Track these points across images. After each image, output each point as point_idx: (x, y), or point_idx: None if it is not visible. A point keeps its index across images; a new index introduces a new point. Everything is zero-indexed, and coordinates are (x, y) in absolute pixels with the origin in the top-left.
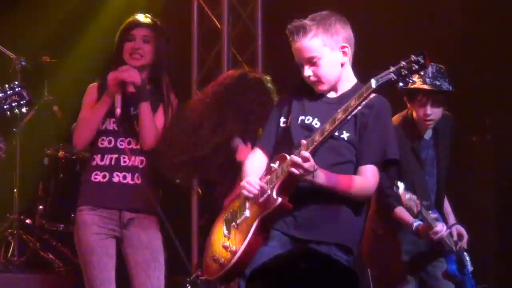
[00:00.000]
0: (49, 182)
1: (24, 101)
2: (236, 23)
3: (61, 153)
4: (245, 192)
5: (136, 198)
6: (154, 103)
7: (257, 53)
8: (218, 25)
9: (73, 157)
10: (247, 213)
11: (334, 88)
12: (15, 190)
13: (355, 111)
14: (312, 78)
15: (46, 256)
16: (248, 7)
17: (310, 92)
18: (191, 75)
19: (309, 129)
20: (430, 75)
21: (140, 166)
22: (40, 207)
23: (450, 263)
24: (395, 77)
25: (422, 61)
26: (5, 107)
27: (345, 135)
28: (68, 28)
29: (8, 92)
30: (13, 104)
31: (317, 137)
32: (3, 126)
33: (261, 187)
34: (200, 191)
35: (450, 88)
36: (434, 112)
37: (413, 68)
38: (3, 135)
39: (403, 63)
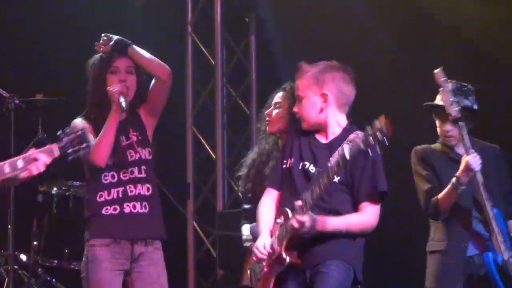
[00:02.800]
0: (43, 218)
1: (85, 144)
2: (230, 59)
3: (54, 190)
4: (256, 256)
5: (148, 226)
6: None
7: (252, 88)
8: (212, 61)
9: (67, 194)
10: (265, 268)
11: (324, 133)
12: (9, 227)
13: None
14: (298, 115)
15: None
16: (241, 43)
17: (305, 136)
18: (185, 110)
19: (307, 174)
20: (450, 92)
21: (147, 194)
22: (35, 243)
23: (488, 260)
24: (364, 148)
25: (385, 131)
26: (68, 151)
27: (336, 178)
28: (63, 65)
29: (71, 136)
30: (76, 148)
31: (309, 199)
32: None
33: (270, 251)
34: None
35: (472, 106)
36: (454, 129)
37: (378, 138)
38: None
39: (369, 132)
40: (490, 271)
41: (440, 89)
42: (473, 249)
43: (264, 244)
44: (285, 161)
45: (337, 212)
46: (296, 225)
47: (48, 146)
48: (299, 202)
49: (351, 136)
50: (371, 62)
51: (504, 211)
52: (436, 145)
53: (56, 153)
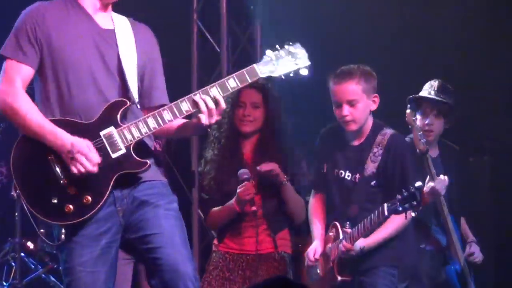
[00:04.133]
0: None
1: (299, 61)
2: (235, 47)
3: None
4: (307, 262)
5: None
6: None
7: None
8: (218, 49)
9: None
10: (320, 272)
11: (359, 135)
12: (16, 214)
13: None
14: (348, 118)
15: (48, 280)
16: (247, 30)
17: (336, 142)
18: None
19: (342, 182)
20: (435, 89)
21: None
22: (42, 230)
23: (451, 273)
24: (401, 210)
25: (418, 197)
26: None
27: (372, 182)
28: None
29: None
30: (288, 67)
31: (356, 233)
32: (4, 151)
33: (319, 258)
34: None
35: (451, 104)
36: (435, 123)
37: (413, 203)
38: (4, 160)
39: (405, 196)
40: (454, 285)
41: (410, 126)
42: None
43: (315, 251)
44: (321, 166)
45: (369, 211)
46: (343, 250)
47: None
48: (348, 230)
49: (379, 138)
50: (378, 56)
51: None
52: (410, 141)
53: None
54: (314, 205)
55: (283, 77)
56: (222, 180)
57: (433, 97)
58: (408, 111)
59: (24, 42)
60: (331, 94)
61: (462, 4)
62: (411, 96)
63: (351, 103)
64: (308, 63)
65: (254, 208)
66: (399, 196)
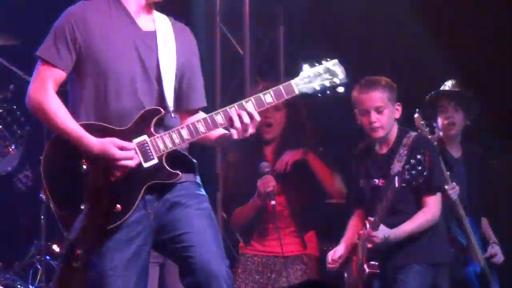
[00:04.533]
0: None
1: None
2: (258, 49)
3: None
4: (328, 263)
5: None
6: None
7: (280, 78)
8: (241, 51)
9: None
10: (354, 273)
11: (386, 142)
12: (42, 217)
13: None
14: (377, 124)
15: None
16: (270, 33)
17: (368, 156)
18: (214, 101)
19: (379, 190)
20: (450, 85)
21: None
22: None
23: (469, 274)
24: (408, 178)
25: (422, 161)
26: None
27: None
28: None
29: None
30: (326, 84)
31: (380, 214)
32: (29, 154)
33: (337, 258)
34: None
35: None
36: (455, 116)
37: (418, 168)
38: (29, 163)
39: (412, 163)
40: (472, 284)
41: (419, 131)
42: None
43: (334, 252)
44: (358, 182)
45: (403, 213)
46: (367, 235)
47: None
48: (370, 219)
49: (404, 140)
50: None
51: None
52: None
53: None
54: (352, 219)
55: (320, 94)
56: (245, 182)
57: (450, 89)
58: (416, 115)
59: (61, 44)
60: (357, 103)
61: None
62: (427, 97)
63: (379, 110)
64: (345, 80)
65: (273, 202)
66: (407, 166)
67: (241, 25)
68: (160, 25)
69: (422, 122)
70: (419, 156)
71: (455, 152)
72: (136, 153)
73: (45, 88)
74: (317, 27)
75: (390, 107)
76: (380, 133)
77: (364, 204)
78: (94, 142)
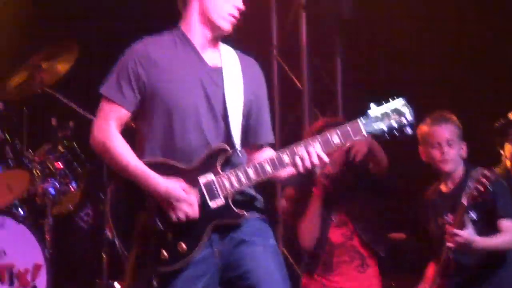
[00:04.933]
0: None
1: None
2: (316, 82)
3: None
4: None
5: None
6: None
7: (338, 111)
8: (299, 85)
9: None
10: None
11: (451, 179)
12: (103, 255)
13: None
14: (447, 156)
15: None
16: (328, 66)
17: (434, 199)
18: (273, 134)
19: (442, 229)
20: None
21: None
22: None
23: None
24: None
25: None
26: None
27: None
28: None
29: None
30: (394, 125)
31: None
32: (90, 192)
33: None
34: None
35: None
36: None
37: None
38: (90, 201)
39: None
40: None
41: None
42: None
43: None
44: (426, 225)
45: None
46: (449, 232)
47: None
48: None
49: (472, 174)
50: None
51: None
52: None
53: None
54: (427, 270)
55: (387, 136)
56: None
57: None
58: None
59: (124, 83)
60: (427, 136)
61: None
62: (496, 125)
63: (449, 143)
64: (413, 121)
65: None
66: (473, 185)
67: (298, 57)
68: (227, 59)
69: None
70: (484, 180)
71: None
72: (202, 192)
73: (109, 127)
74: (375, 59)
75: (458, 144)
76: (451, 166)
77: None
78: (160, 182)
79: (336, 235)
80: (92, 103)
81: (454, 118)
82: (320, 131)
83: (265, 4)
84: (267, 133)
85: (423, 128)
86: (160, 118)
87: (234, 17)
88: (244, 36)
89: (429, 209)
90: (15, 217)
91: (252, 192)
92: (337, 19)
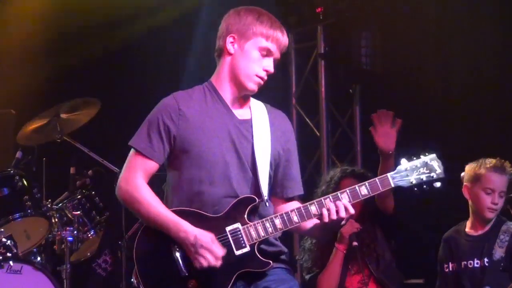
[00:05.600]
0: None
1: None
2: (335, 130)
3: None
4: None
5: None
6: None
7: (357, 159)
8: (317, 132)
9: None
10: None
11: (482, 224)
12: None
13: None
14: (496, 207)
15: None
16: (346, 114)
17: (458, 239)
18: None
19: (472, 271)
20: None
21: None
22: None
23: None
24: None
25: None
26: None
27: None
28: None
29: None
30: (423, 179)
31: None
32: (109, 240)
33: None
34: None
35: None
36: None
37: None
38: (108, 248)
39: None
40: None
41: None
42: None
43: None
44: (446, 265)
45: None
46: None
47: None
48: None
49: (504, 227)
50: None
51: None
52: None
53: None
54: None
55: (416, 189)
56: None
57: None
58: None
59: (155, 137)
60: (483, 180)
61: None
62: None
63: (501, 194)
64: (443, 175)
65: (355, 243)
66: None
67: (317, 105)
68: (256, 112)
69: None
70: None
71: None
72: (228, 240)
73: (136, 179)
74: (393, 107)
75: (505, 196)
76: (493, 215)
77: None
78: (190, 229)
79: (353, 283)
80: (111, 152)
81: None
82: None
83: (283, 53)
84: (295, 186)
85: (479, 170)
86: (189, 169)
87: (261, 78)
88: (263, 85)
89: (450, 250)
90: (34, 264)
91: (278, 243)
92: (355, 68)
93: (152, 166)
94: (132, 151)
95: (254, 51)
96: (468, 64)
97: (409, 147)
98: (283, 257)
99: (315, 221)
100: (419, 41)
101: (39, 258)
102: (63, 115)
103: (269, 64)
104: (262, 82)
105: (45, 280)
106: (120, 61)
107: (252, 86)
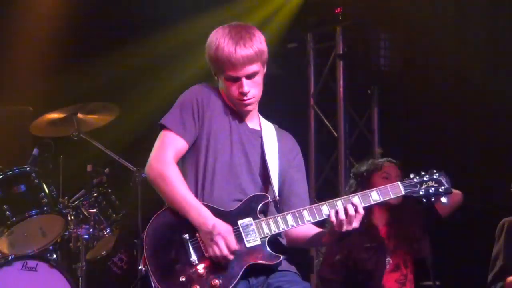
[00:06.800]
0: None
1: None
2: (352, 131)
3: None
4: None
5: None
6: None
7: (375, 159)
8: (335, 133)
9: None
10: None
11: None
12: None
13: None
14: None
15: None
16: (364, 116)
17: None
18: (309, 182)
19: None
20: None
21: None
22: None
23: None
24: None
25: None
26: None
27: None
28: None
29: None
30: (430, 191)
31: None
32: (125, 239)
33: None
34: None
35: None
36: None
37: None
38: (124, 246)
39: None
40: None
41: None
42: None
43: None
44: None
45: None
46: None
47: None
48: None
49: None
50: None
51: None
52: None
53: None
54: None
55: (424, 200)
56: (356, 258)
57: None
58: None
59: (187, 117)
60: None
61: None
62: None
63: None
64: (450, 191)
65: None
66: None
67: (335, 106)
68: (265, 127)
69: None
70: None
71: None
72: (240, 233)
73: (166, 157)
74: (412, 108)
75: None
76: None
77: None
78: (210, 217)
79: (390, 281)
80: (128, 150)
81: None
82: None
83: (302, 53)
84: (300, 204)
85: None
86: (205, 162)
87: (245, 100)
88: (281, 85)
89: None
90: (49, 262)
91: (286, 246)
92: (374, 69)
93: (183, 145)
94: (163, 130)
95: (225, 82)
96: (488, 65)
97: (429, 148)
98: (294, 263)
99: (318, 230)
100: (438, 42)
101: (54, 256)
102: (80, 115)
103: (240, 87)
104: (250, 102)
105: (60, 278)
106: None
107: (240, 108)
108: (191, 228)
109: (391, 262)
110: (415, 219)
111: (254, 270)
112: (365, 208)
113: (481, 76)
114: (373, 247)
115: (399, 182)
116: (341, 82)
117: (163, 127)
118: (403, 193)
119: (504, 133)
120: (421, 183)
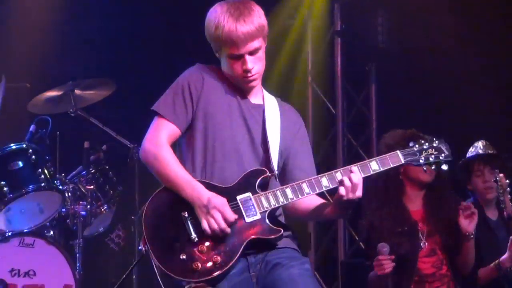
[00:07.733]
0: None
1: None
2: (350, 108)
3: None
4: None
5: None
6: None
7: (372, 137)
8: (333, 110)
9: None
10: None
11: None
12: (133, 277)
13: None
14: None
15: None
16: (362, 92)
17: None
18: None
19: None
20: (481, 147)
21: None
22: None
23: None
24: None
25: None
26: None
27: None
28: None
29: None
30: (431, 159)
31: None
32: (121, 214)
33: None
34: None
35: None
36: (492, 180)
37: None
38: (121, 223)
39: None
40: None
41: (501, 191)
42: None
43: None
44: None
45: None
46: None
47: None
48: None
49: None
50: None
51: None
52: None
53: None
54: None
55: (424, 168)
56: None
57: (483, 151)
58: (501, 174)
59: (179, 103)
60: None
61: None
62: (460, 162)
63: None
64: (450, 158)
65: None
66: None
67: (333, 83)
68: (268, 101)
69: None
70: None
71: (492, 215)
72: (239, 207)
73: (160, 139)
74: (409, 85)
75: None
76: None
77: None
78: (205, 191)
79: (426, 265)
80: (125, 126)
81: None
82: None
83: (300, 31)
84: (304, 177)
85: None
86: (204, 142)
87: (249, 77)
88: (279, 62)
89: None
90: (46, 238)
91: (288, 226)
92: (372, 46)
93: (175, 131)
94: (156, 116)
95: (227, 59)
96: (486, 44)
97: (425, 125)
98: (293, 239)
99: (320, 201)
100: (435, 19)
101: (51, 232)
102: (77, 91)
103: (244, 64)
104: (254, 79)
105: (57, 254)
106: (138, 38)
107: (244, 85)
108: (190, 205)
109: (426, 245)
110: (451, 202)
111: (254, 248)
112: (365, 178)
113: (480, 53)
114: (405, 231)
115: (398, 151)
116: (339, 59)
117: (155, 113)
118: (403, 161)
119: (505, 109)
120: (420, 151)
